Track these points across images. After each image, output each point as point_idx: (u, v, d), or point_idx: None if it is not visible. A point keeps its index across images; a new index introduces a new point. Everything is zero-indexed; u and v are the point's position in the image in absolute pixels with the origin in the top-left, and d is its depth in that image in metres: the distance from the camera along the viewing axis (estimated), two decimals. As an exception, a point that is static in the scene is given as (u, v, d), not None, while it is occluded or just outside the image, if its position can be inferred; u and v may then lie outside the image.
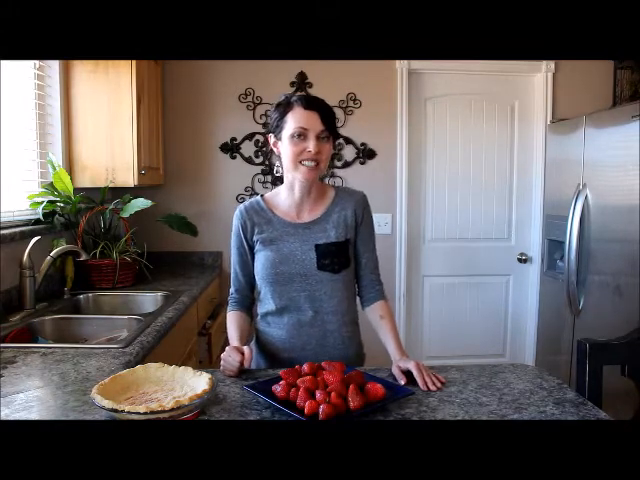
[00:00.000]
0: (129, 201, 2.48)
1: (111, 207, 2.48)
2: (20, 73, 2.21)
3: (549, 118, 3.21)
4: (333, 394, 1.07)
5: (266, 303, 1.51)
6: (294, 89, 3.11)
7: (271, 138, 1.48)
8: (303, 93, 1.47)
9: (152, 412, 0.98)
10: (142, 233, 2.82)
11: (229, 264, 1.59)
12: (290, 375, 1.16)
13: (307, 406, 1.05)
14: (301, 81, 3.12)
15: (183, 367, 1.20)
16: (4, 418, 1.05)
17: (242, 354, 1.30)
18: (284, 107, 1.43)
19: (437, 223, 3.33)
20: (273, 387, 1.15)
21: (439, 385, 1.26)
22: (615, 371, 1.54)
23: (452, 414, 1.12)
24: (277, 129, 1.44)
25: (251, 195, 3.10)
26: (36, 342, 1.75)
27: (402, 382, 1.27)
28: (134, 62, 2.47)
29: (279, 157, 1.48)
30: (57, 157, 2.40)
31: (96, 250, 2.36)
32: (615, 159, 2.44)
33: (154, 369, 1.20)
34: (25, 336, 1.74)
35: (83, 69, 2.47)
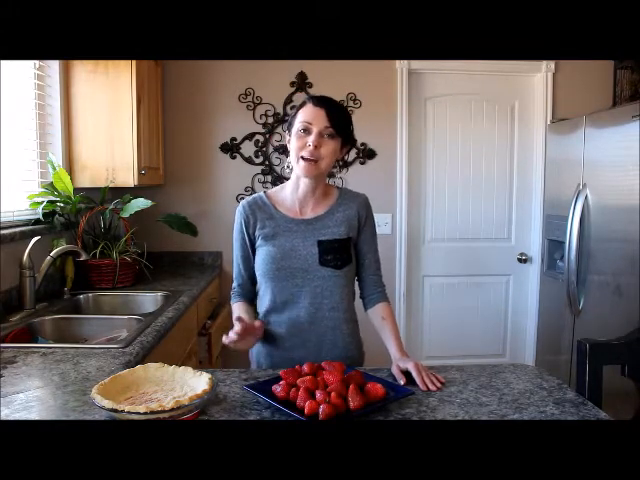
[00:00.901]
0: (129, 201, 2.48)
1: (111, 207, 2.48)
2: (20, 73, 2.21)
3: (549, 118, 3.21)
4: (333, 394, 1.07)
5: (266, 300, 1.50)
6: (294, 89, 3.11)
7: (286, 136, 1.50)
8: (321, 94, 1.49)
9: (152, 412, 0.98)
10: (142, 233, 2.82)
11: (229, 264, 1.60)
12: (290, 375, 1.16)
13: (307, 406, 1.05)
14: (301, 81, 3.12)
15: (183, 367, 1.20)
16: (4, 418, 1.05)
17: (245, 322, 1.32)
18: (299, 106, 1.46)
19: (437, 223, 3.33)
20: (273, 387, 1.15)
21: (439, 385, 1.25)
22: (615, 371, 1.54)
23: (452, 414, 1.12)
24: (290, 126, 1.47)
25: (251, 195, 3.10)
26: (36, 342, 1.75)
27: (401, 382, 1.27)
28: (134, 62, 2.47)
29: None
30: (57, 157, 2.40)
31: (96, 250, 2.36)
32: (615, 159, 2.44)
33: (154, 369, 1.20)
34: (25, 336, 1.74)
35: (83, 69, 2.47)
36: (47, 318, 1.88)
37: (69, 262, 2.27)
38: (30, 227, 2.11)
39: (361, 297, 1.58)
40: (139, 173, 2.52)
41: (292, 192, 1.51)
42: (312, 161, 1.40)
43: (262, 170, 3.15)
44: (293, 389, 1.12)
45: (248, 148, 3.15)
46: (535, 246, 3.33)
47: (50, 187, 2.27)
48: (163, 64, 3.02)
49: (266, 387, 1.16)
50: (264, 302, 1.52)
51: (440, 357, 3.33)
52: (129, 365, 1.39)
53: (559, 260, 3.00)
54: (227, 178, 3.15)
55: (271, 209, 1.51)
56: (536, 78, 3.27)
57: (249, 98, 3.11)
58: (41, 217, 2.19)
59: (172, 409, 1.00)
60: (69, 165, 2.49)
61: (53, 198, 2.28)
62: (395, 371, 1.33)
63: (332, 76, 3.10)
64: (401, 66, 3.14)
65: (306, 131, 1.40)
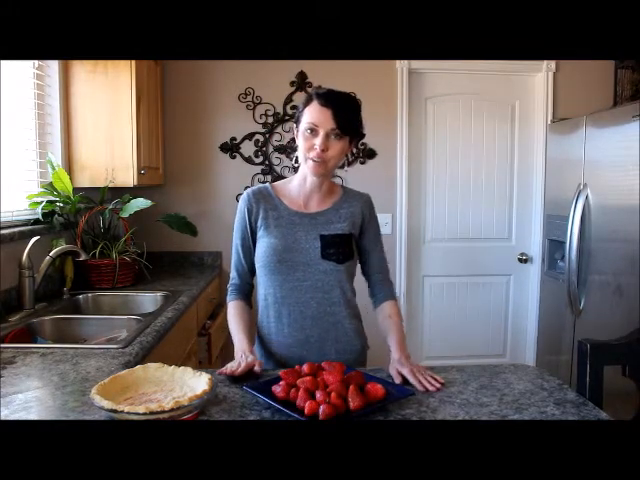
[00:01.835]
0: (129, 201, 2.47)
1: (111, 207, 2.47)
2: (20, 73, 2.20)
3: (549, 118, 3.21)
4: (333, 394, 1.07)
5: (266, 295, 1.49)
6: (294, 89, 3.11)
7: (294, 128, 1.49)
8: (328, 89, 1.46)
9: (151, 412, 0.98)
10: (142, 233, 2.82)
11: (229, 264, 1.59)
12: (290, 375, 1.16)
13: (307, 406, 1.04)
14: (301, 81, 3.12)
15: (183, 367, 1.20)
16: (3, 418, 1.05)
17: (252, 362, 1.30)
18: (306, 100, 1.45)
19: (437, 223, 3.33)
20: (273, 387, 1.14)
21: (438, 385, 1.25)
22: (616, 371, 1.54)
23: (452, 414, 1.11)
24: (297, 121, 1.46)
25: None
26: (35, 342, 1.75)
27: (397, 381, 1.27)
28: (134, 62, 2.47)
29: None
30: (56, 157, 2.40)
31: (95, 250, 2.36)
32: (616, 159, 2.44)
33: (153, 369, 1.19)
34: (24, 336, 1.74)
35: (82, 69, 2.47)
36: (46, 318, 1.88)
37: (68, 262, 2.27)
38: (29, 227, 2.10)
39: (369, 296, 1.58)
40: (139, 173, 2.52)
41: (299, 186, 1.51)
42: (320, 162, 1.40)
43: (262, 170, 3.15)
44: (293, 389, 1.12)
45: (248, 148, 3.15)
46: (535, 246, 3.32)
47: (49, 187, 2.27)
48: (163, 64, 3.02)
49: (266, 387, 1.16)
50: (264, 298, 1.50)
51: (440, 357, 3.33)
52: (129, 365, 1.38)
53: (560, 260, 3.00)
54: (227, 178, 3.15)
55: (275, 200, 1.51)
56: (537, 78, 3.26)
57: (249, 98, 3.11)
58: (40, 217, 2.19)
59: (172, 409, 1.00)
60: (68, 165, 2.49)
61: (52, 198, 2.28)
62: (393, 373, 1.31)
63: (332, 76, 3.09)
64: (401, 66, 3.14)
65: (313, 132, 1.39)
